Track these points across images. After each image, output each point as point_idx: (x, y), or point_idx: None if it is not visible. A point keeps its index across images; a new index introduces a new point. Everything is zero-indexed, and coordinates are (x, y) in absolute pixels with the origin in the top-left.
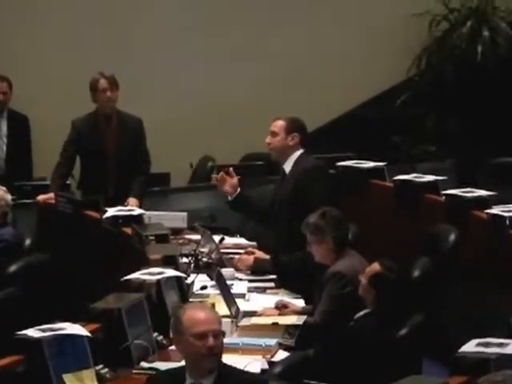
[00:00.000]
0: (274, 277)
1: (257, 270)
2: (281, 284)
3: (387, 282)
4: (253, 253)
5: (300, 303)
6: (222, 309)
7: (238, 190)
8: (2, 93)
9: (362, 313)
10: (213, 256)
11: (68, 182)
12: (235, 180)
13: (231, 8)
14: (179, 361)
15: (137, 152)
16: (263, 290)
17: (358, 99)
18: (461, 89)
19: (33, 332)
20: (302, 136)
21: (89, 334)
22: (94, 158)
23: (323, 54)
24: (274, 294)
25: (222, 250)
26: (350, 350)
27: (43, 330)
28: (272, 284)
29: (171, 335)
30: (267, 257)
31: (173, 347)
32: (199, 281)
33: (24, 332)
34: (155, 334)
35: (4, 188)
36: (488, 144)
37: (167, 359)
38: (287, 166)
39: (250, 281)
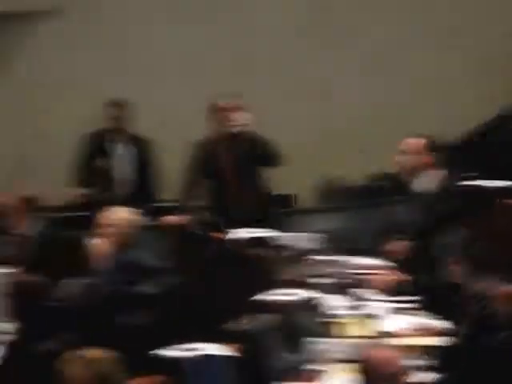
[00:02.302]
0: (413, 298)
1: (396, 290)
2: (422, 305)
3: None
4: (392, 273)
5: (440, 324)
6: (356, 329)
7: None
8: (115, 118)
9: (503, 334)
10: (347, 277)
11: (197, 204)
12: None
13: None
14: None
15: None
16: (402, 311)
17: None
18: None
19: (173, 352)
20: (435, 155)
21: (230, 354)
22: (217, 178)
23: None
24: (413, 314)
25: (357, 271)
26: (495, 371)
27: (183, 350)
28: (411, 305)
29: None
30: (408, 278)
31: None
32: (334, 302)
33: (164, 352)
34: (288, 356)
35: (132, 209)
36: None
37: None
38: (417, 186)
39: (388, 301)
